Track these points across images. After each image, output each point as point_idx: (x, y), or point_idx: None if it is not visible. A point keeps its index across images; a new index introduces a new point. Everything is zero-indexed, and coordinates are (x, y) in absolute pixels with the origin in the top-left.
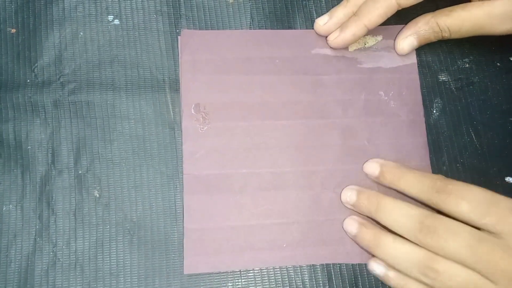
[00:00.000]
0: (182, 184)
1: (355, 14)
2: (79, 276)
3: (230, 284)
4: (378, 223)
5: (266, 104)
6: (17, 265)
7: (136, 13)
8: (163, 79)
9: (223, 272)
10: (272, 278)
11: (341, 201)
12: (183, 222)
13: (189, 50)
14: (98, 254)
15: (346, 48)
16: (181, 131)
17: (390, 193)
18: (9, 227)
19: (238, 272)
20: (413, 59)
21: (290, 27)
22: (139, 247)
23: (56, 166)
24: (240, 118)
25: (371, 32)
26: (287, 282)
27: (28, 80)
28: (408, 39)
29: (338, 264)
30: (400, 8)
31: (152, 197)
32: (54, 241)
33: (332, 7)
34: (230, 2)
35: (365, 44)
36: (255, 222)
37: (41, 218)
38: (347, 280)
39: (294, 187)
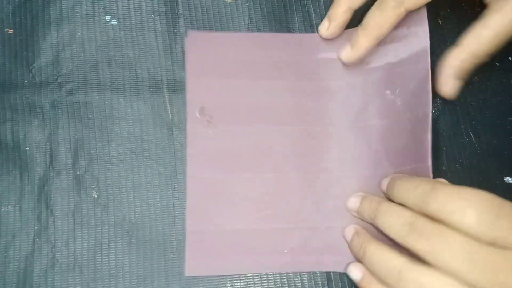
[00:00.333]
0: (180, 185)
1: (362, 27)
2: (78, 277)
3: (229, 284)
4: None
5: (271, 108)
6: (15, 266)
7: (134, 13)
8: (161, 80)
9: (221, 275)
10: (271, 279)
11: (347, 209)
12: (185, 223)
13: (195, 52)
14: (97, 255)
15: None
16: (186, 134)
17: None
18: (7, 228)
19: (237, 275)
20: (425, 43)
21: (288, 28)
22: (138, 247)
23: (54, 167)
24: (244, 122)
25: None
26: (286, 283)
27: (26, 81)
28: (452, 82)
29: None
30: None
31: (150, 198)
32: (53, 242)
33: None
34: (228, 2)
35: None
36: (257, 227)
37: (39, 219)
38: (346, 281)
39: (297, 193)
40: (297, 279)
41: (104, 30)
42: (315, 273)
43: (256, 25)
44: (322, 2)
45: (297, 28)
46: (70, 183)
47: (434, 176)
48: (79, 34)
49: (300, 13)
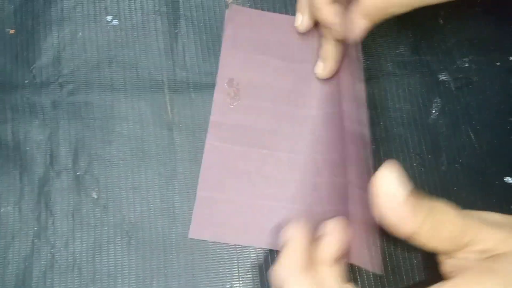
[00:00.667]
0: (181, 185)
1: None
2: (77, 278)
3: (228, 285)
4: None
5: (296, 91)
6: (15, 267)
7: (135, 13)
8: (162, 80)
9: (220, 274)
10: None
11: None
12: (196, 188)
13: (233, 25)
14: (96, 256)
15: None
16: (212, 102)
17: None
18: (7, 229)
19: (237, 274)
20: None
21: None
22: (137, 248)
23: (54, 167)
24: (269, 100)
25: None
26: None
27: (27, 81)
28: (363, 22)
29: None
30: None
31: (150, 198)
32: (52, 242)
33: None
34: (229, 2)
35: None
36: (265, 202)
37: (39, 219)
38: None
39: (310, 175)
40: None
41: (105, 30)
42: None
43: None
44: None
45: None
46: (70, 184)
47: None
48: (80, 34)
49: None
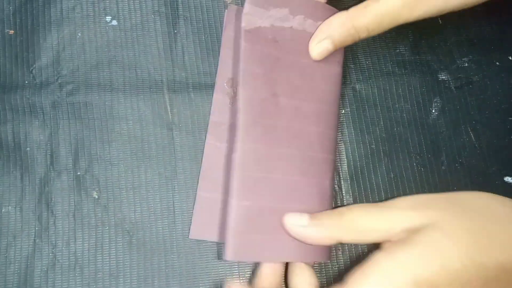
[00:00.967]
0: (180, 185)
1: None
2: (79, 277)
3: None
4: None
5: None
6: (16, 267)
7: (134, 14)
8: (161, 80)
9: (221, 274)
10: None
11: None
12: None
13: (232, 25)
14: (98, 255)
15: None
16: (211, 102)
17: None
18: (8, 229)
19: (237, 274)
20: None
21: None
22: (138, 248)
23: (55, 167)
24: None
25: None
26: (285, 283)
27: (26, 82)
28: (324, 44)
29: (337, 265)
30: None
31: (150, 198)
32: (54, 242)
33: None
34: (229, 2)
35: None
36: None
37: (40, 219)
38: None
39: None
40: None
41: (104, 30)
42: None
43: None
44: None
45: None
46: (70, 184)
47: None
48: (79, 34)
49: None
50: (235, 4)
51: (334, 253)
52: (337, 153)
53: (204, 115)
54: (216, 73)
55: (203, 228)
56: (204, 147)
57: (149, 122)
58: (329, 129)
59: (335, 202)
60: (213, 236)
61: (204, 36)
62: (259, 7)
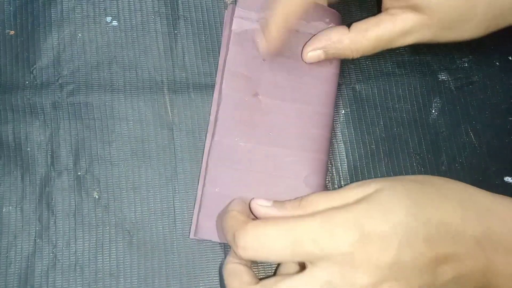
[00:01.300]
0: (181, 185)
1: (271, 12)
2: (79, 277)
3: None
4: None
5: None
6: (17, 266)
7: (134, 14)
8: (162, 80)
9: (221, 274)
10: None
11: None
12: (197, 187)
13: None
14: (98, 255)
15: None
16: (211, 102)
17: None
18: (9, 229)
19: None
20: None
21: None
22: (139, 248)
23: (55, 167)
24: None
25: None
26: None
27: (27, 82)
28: (317, 52)
29: None
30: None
31: (150, 198)
32: (54, 242)
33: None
34: (228, 3)
35: None
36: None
37: (41, 219)
38: None
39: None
40: None
41: (104, 31)
42: None
43: None
44: None
45: None
46: (71, 184)
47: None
48: (79, 35)
49: None
50: (235, 5)
51: None
52: (330, 153)
53: (204, 115)
54: (216, 73)
55: (203, 228)
56: (204, 146)
57: (149, 122)
58: (316, 129)
59: None
60: (213, 236)
61: (204, 36)
62: (250, 10)
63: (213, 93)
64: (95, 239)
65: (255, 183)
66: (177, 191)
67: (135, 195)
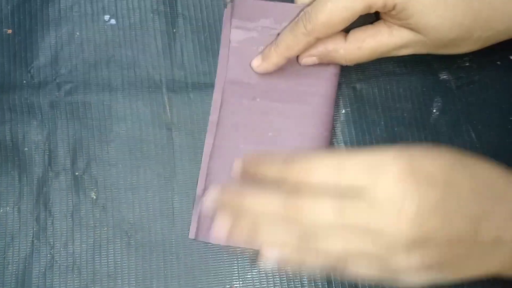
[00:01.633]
0: (180, 186)
1: (275, 45)
2: (77, 278)
3: (227, 286)
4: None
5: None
6: (14, 267)
7: (133, 13)
8: (160, 79)
9: (220, 275)
10: (271, 280)
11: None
12: (196, 187)
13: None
14: (96, 256)
15: None
16: (211, 102)
17: None
18: (6, 229)
19: (236, 274)
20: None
21: None
22: (137, 249)
23: (53, 167)
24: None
25: None
26: (285, 284)
27: (24, 81)
28: (312, 59)
29: None
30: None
31: (149, 199)
32: (52, 243)
33: None
34: (228, 1)
35: None
36: None
37: (38, 220)
38: (346, 284)
39: None
40: (297, 281)
41: (102, 29)
42: (315, 273)
43: None
44: None
45: None
46: (68, 184)
47: None
48: (77, 34)
49: None
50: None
51: None
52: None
53: (203, 115)
54: (215, 73)
55: (202, 228)
56: (203, 146)
57: (148, 122)
58: (316, 129)
59: None
60: (213, 239)
61: (203, 35)
62: (246, 20)
63: (212, 93)
64: (92, 240)
65: None
66: (176, 191)
67: (133, 196)
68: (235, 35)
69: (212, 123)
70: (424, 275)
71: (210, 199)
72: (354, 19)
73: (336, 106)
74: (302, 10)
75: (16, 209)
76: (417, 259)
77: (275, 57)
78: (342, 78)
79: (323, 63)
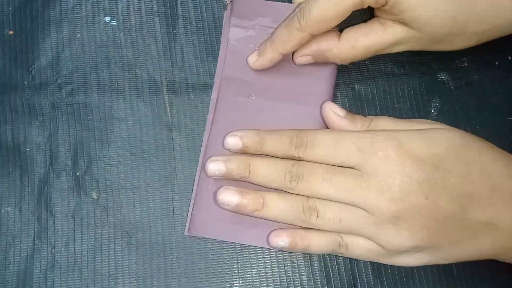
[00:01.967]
0: (180, 186)
1: (271, 40)
2: (78, 278)
3: (228, 285)
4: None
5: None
6: (15, 267)
7: (133, 14)
8: (161, 80)
9: (220, 274)
10: (270, 279)
11: (208, 175)
12: (193, 184)
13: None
14: (97, 256)
15: None
16: (217, 101)
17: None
18: (7, 229)
19: (236, 274)
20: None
21: None
22: (138, 248)
23: (54, 168)
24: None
25: None
26: (285, 283)
27: (26, 82)
28: (306, 58)
29: (337, 264)
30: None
31: (150, 199)
32: (53, 243)
33: None
34: (228, 3)
35: None
36: None
37: (39, 220)
38: (345, 281)
39: None
40: (296, 279)
41: (103, 31)
42: (315, 273)
43: None
44: None
45: None
46: (69, 184)
47: None
48: (78, 35)
49: None
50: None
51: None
52: None
53: (203, 116)
54: (215, 73)
55: (200, 224)
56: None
57: (148, 123)
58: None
59: None
60: (206, 232)
61: (204, 36)
62: (244, 18)
63: (212, 93)
64: (93, 239)
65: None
66: (176, 191)
67: (134, 196)
68: (233, 34)
69: (209, 121)
70: (419, 255)
71: (214, 167)
72: (348, 15)
73: None
74: (297, 6)
75: (18, 209)
76: (406, 235)
77: (270, 53)
78: (341, 78)
79: (319, 63)
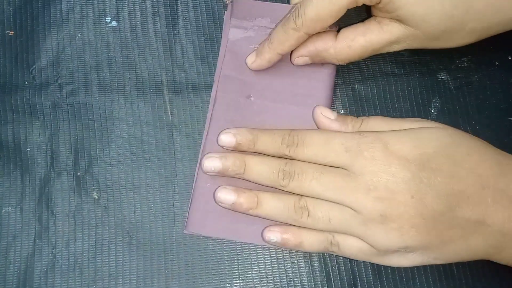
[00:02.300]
0: (180, 186)
1: (269, 41)
2: (78, 278)
3: (228, 285)
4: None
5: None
6: (16, 267)
7: (134, 15)
8: (161, 81)
9: (220, 274)
10: (271, 279)
11: (204, 171)
12: (193, 182)
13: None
14: (97, 256)
15: None
16: (216, 100)
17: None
18: (8, 229)
19: (237, 273)
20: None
21: None
22: (138, 248)
23: (55, 168)
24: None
25: None
26: (285, 283)
27: (26, 82)
28: (304, 58)
29: (337, 264)
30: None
31: (150, 199)
32: (54, 243)
33: None
34: (228, 3)
35: None
36: None
37: (40, 220)
38: (345, 280)
39: None
40: (296, 279)
41: (104, 31)
42: (315, 272)
43: None
44: None
45: None
46: (70, 184)
47: None
48: (79, 35)
49: None
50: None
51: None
52: None
53: (203, 116)
54: (215, 74)
55: (199, 222)
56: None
57: (149, 123)
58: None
59: None
60: (203, 230)
61: (204, 36)
62: (243, 19)
63: (211, 92)
64: (94, 239)
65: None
66: (176, 191)
67: (135, 196)
68: (232, 34)
69: (208, 120)
70: (411, 255)
71: (210, 164)
72: (342, 13)
73: (335, 106)
74: (293, 6)
75: (18, 209)
76: (394, 234)
77: (268, 53)
78: (341, 78)
79: (318, 65)
